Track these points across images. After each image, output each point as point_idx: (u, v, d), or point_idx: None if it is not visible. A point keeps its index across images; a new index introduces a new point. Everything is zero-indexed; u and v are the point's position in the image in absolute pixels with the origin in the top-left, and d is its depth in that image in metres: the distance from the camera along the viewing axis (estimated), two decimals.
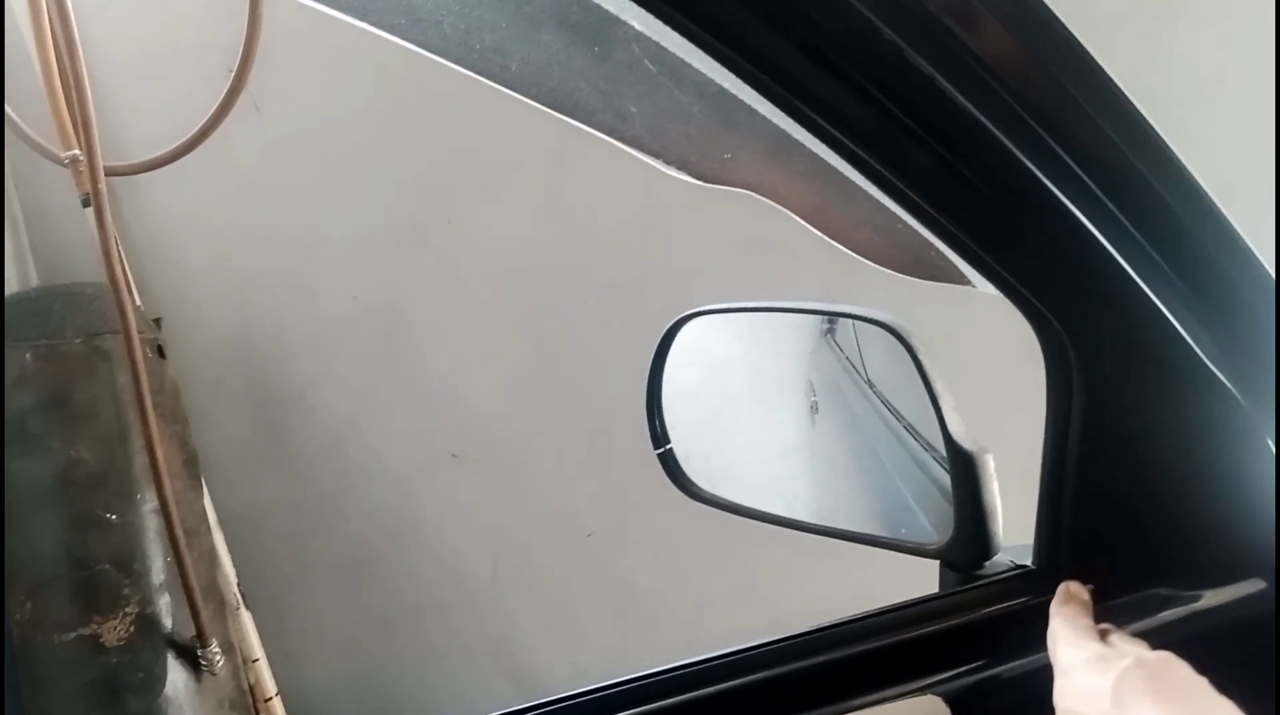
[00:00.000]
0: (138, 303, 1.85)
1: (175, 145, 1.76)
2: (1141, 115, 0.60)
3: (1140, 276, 0.63)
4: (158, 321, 1.95)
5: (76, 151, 1.67)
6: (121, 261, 1.69)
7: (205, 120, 1.74)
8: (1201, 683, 0.56)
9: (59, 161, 1.71)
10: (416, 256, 2.04)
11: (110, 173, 1.67)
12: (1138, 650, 0.60)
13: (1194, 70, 1.88)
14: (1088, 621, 0.65)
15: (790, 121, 0.54)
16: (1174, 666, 0.58)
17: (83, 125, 1.57)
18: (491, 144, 1.95)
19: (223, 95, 1.73)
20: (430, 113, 1.94)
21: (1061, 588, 0.69)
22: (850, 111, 0.54)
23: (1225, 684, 0.70)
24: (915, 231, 0.63)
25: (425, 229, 2.02)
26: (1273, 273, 0.67)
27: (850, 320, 1.06)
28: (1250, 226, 0.66)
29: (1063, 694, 0.60)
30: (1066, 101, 0.57)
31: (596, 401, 2.12)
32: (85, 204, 1.73)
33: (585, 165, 1.96)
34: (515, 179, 1.98)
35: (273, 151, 1.96)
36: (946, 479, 0.81)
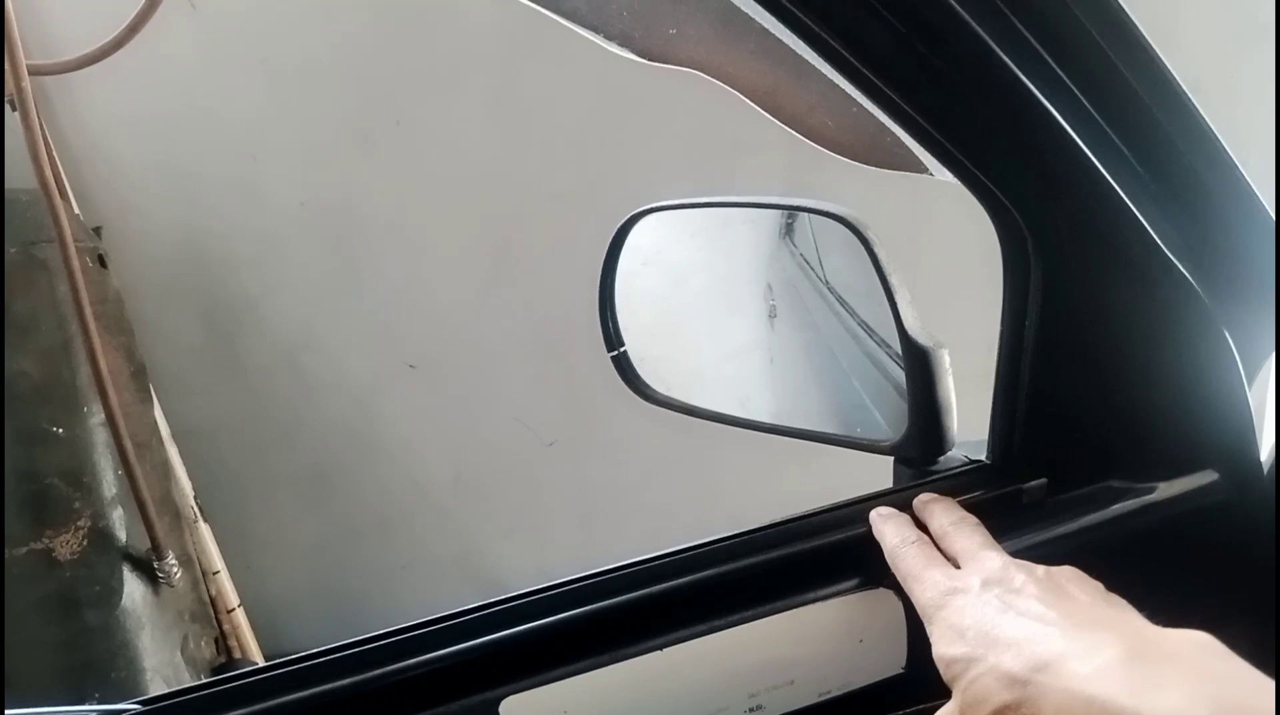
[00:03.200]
0: (75, 210, 1.78)
1: (104, 42, 1.67)
2: None
3: (1102, 163, 0.61)
4: (98, 230, 1.88)
5: None
6: (55, 166, 1.62)
7: (134, 15, 1.64)
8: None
9: None
10: (365, 159, 1.97)
11: (35, 72, 1.58)
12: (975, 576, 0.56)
13: None
14: (933, 551, 0.62)
15: None
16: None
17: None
18: (439, 39, 1.87)
19: None
20: (372, 4, 1.85)
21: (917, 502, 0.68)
22: None
23: (1176, 573, 0.71)
24: (871, 116, 0.61)
25: (373, 131, 1.94)
26: (1238, 163, 0.65)
27: (807, 217, 1.03)
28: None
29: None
30: None
31: (555, 308, 2.09)
32: (13, 107, 1.65)
33: (537, 58, 1.89)
34: (465, 75, 1.90)
35: (211, 50, 1.87)
36: (902, 376, 0.79)
